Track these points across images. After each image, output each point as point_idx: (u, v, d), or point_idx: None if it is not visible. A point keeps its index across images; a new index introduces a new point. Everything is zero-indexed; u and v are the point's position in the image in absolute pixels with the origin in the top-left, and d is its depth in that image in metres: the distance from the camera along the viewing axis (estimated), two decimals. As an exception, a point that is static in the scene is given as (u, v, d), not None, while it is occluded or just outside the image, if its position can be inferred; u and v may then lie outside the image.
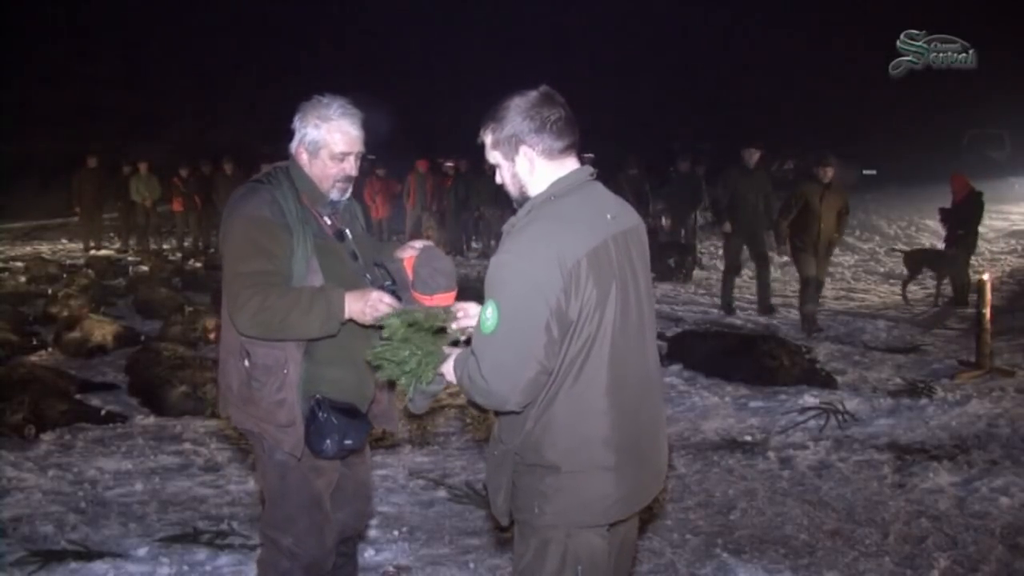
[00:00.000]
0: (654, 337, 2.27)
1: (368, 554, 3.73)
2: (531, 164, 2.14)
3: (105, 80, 29.39)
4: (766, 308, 9.42)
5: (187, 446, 5.22)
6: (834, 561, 3.72)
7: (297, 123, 2.66)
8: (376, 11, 35.12)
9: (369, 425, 2.73)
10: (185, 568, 3.61)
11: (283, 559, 2.62)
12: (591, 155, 14.28)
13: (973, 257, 10.57)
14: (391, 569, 3.62)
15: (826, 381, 6.34)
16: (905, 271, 10.61)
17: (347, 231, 2.71)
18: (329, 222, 2.69)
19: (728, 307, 9.57)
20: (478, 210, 15.21)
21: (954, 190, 10.14)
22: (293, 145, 2.67)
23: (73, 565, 3.60)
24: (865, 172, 21.14)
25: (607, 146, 19.58)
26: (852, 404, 5.84)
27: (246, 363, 2.55)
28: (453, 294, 2.53)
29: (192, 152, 17.53)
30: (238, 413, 2.64)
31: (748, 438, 5.34)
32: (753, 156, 9.21)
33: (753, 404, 6.03)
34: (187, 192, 15.72)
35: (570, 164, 2.16)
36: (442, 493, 4.46)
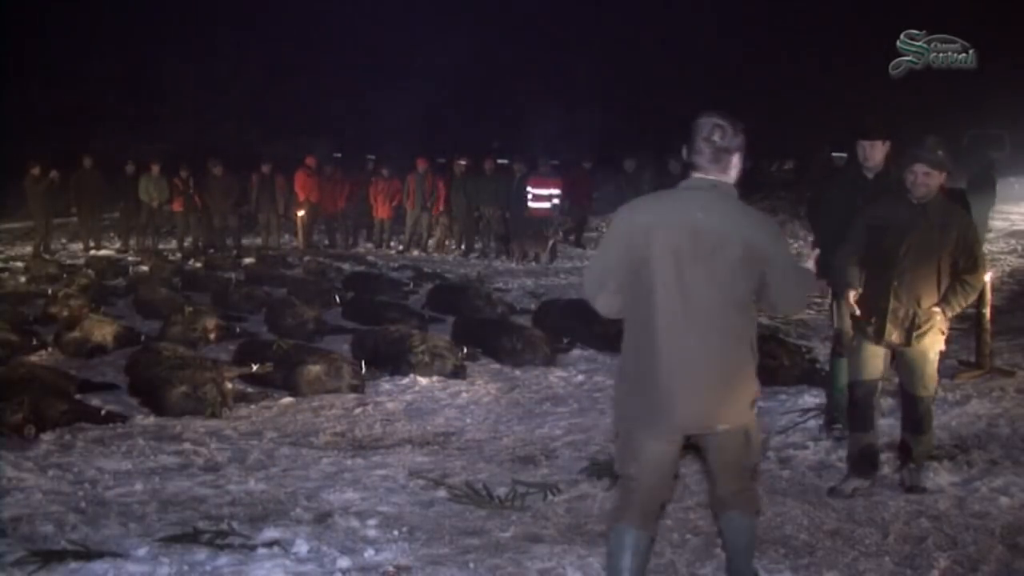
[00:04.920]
0: (719, 313, 2.89)
1: (368, 554, 3.73)
2: None
3: (105, 80, 29.37)
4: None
5: (187, 446, 5.22)
6: (834, 561, 3.72)
7: None
8: (376, 11, 35.12)
9: None
10: (185, 568, 3.61)
11: None
12: (520, 164, 14.45)
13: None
14: (391, 569, 3.62)
15: (826, 381, 6.33)
16: None
17: None
18: None
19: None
20: (478, 210, 15.21)
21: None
22: None
23: (73, 565, 3.60)
24: None
25: (607, 145, 19.58)
26: (852, 404, 5.83)
27: None
28: None
29: (192, 152, 17.52)
30: None
31: (748, 438, 5.33)
32: (874, 151, 5.03)
33: (753, 404, 6.02)
34: (187, 192, 15.73)
35: (695, 174, 2.97)
36: (442, 493, 4.46)
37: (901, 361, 4.43)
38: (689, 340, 2.88)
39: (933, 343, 4.35)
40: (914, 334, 4.27)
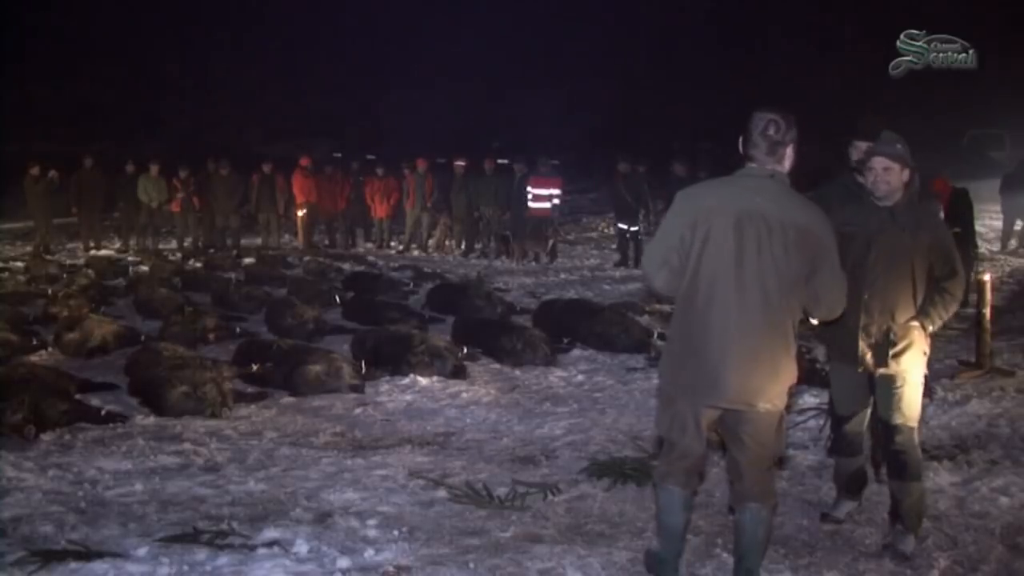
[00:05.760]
0: (772, 294, 3.08)
1: (368, 554, 3.73)
2: None
3: (105, 80, 29.41)
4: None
5: (187, 446, 5.22)
6: (834, 561, 3.73)
7: None
8: (377, 12, 35.13)
9: None
10: (185, 568, 3.61)
11: None
12: (520, 164, 14.36)
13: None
14: (391, 569, 3.62)
15: (826, 381, 6.29)
16: None
17: None
18: None
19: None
20: (478, 210, 15.21)
21: (936, 193, 10.04)
22: None
23: (73, 565, 3.60)
24: None
25: (608, 146, 19.59)
26: (852, 404, 5.83)
27: None
28: None
29: (192, 152, 17.52)
30: None
31: (748, 438, 5.32)
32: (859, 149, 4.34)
33: (753, 404, 6.02)
34: (185, 192, 15.73)
35: (752, 164, 3.19)
36: (442, 493, 4.46)
37: (878, 383, 3.84)
38: (743, 317, 3.07)
39: (913, 363, 3.77)
40: (890, 353, 3.74)
